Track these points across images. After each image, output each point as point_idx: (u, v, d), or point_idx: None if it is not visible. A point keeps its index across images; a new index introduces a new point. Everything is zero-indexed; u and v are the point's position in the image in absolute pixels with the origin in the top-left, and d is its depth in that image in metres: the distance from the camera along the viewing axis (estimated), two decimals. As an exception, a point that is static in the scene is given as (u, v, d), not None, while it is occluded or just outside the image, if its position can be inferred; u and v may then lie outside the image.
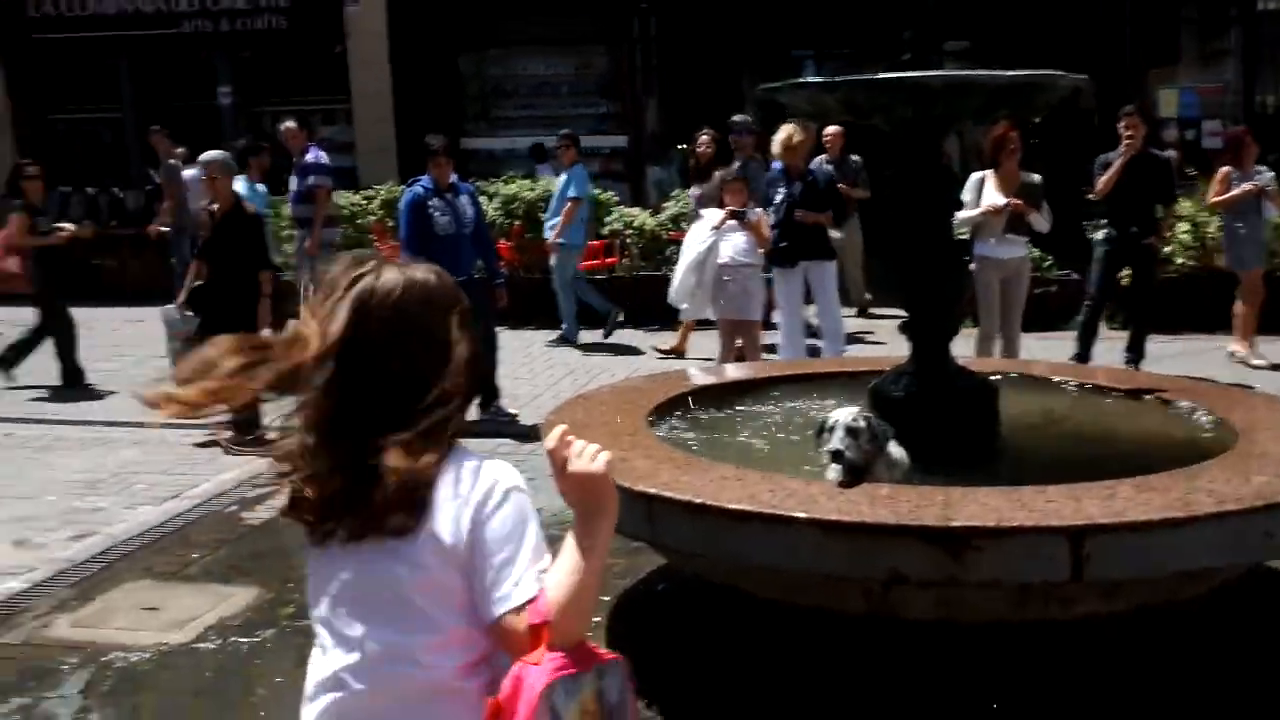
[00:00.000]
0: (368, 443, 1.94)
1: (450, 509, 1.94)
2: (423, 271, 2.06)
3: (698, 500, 3.45)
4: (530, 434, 7.28)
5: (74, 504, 6.32)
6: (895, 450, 3.96)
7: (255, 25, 17.40)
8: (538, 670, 1.84)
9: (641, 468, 3.77)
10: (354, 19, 16.99)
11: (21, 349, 9.58)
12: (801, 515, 3.29)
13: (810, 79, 5.85)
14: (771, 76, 5.49)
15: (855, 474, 3.70)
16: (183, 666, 4.25)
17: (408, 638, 1.96)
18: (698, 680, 3.81)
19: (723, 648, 4.02)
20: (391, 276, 2.02)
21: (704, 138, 11.23)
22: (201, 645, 4.40)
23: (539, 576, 1.92)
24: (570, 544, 1.94)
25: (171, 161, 13.23)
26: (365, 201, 13.41)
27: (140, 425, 8.07)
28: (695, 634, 4.21)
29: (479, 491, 1.96)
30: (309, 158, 11.02)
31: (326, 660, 2.02)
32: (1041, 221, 8.22)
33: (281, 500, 2.05)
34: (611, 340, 11.17)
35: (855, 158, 11.44)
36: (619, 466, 3.71)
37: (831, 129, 11.11)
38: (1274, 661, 3.89)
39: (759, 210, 8.24)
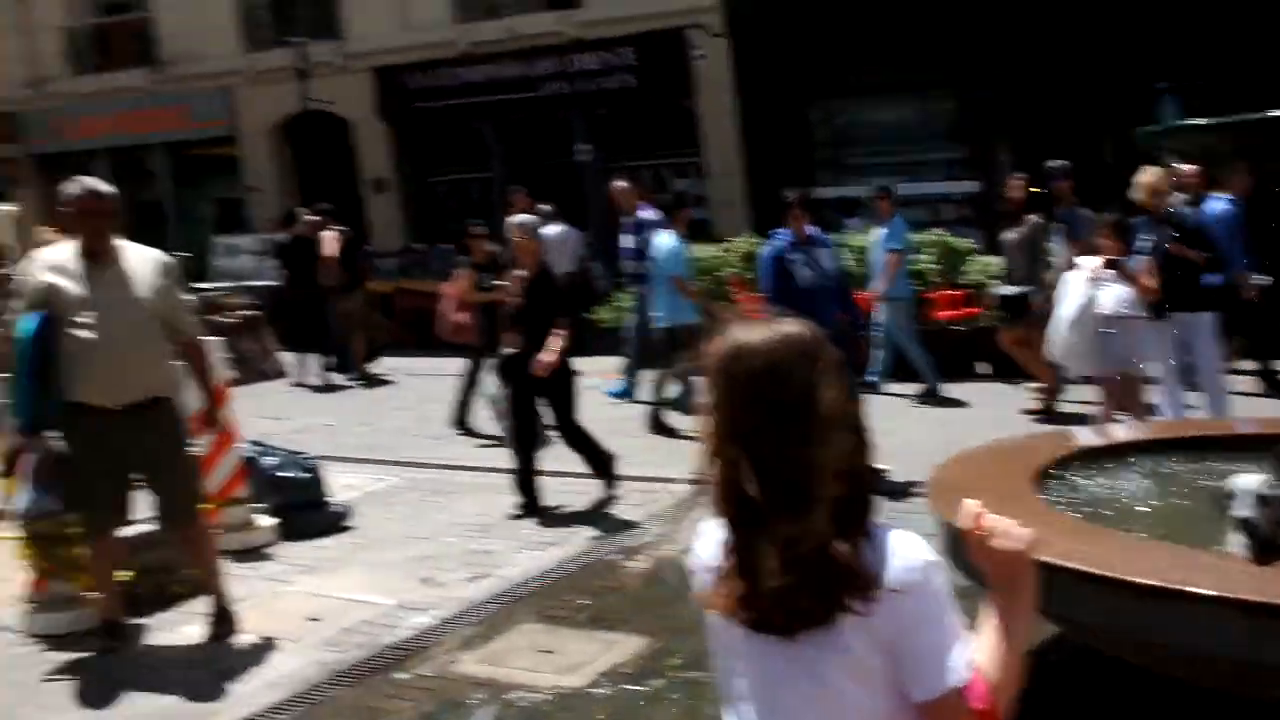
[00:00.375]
0: (784, 527, 1.90)
1: None
2: (790, 324, 2.01)
3: (1102, 572, 3.33)
4: (901, 490, 7.22)
5: (469, 546, 6.78)
6: None
7: (607, 85, 18.27)
8: None
9: (1037, 534, 3.67)
10: (700, 73, 17.49)
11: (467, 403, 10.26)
12: (1221, 594, 3.12)
13: (1198, 120, 5.55)
14: (1129, 111, 5.24)
15: (1266, 548, 3.45)
16: (579, 709, 4.48)
17: None
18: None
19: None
20: (760, 332, 2.00)
21: (1016, 181, 10.83)
22: (595, 690, 4.62)
23: (970, 658, 1.91)
24: (994, 623, 1.94)
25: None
26: (724, 253, 13.72)
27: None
28: (1089, 710, 4.05)
29: (899, 569, 1.92)
30: (644, 215, 11.33)
31: None
32: None
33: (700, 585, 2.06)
34: (975, 395, 10.91)
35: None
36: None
37: (1188, 166, 10.23)
38: None
39: (1140, 258, 7.82)
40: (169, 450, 5.41)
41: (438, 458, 9.20)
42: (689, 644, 5.00)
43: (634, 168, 18.95)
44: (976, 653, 1.92)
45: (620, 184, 11.74)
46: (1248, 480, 3.61)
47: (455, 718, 4.52)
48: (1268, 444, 4.55)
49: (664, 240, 10.05)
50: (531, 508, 7.46)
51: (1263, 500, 3.51)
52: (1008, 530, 1.95)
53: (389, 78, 19.79)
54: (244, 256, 18.89)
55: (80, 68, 22.74)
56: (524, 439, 7.64)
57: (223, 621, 5.53)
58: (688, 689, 4.55)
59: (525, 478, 7.54)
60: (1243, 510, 3.52)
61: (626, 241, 11.48)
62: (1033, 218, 10.46)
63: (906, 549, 1.95)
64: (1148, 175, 8.43)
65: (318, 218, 14.07)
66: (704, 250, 13.66)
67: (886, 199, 11.30)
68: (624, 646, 5.04)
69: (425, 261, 17.19)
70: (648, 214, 11.32)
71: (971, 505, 1.99)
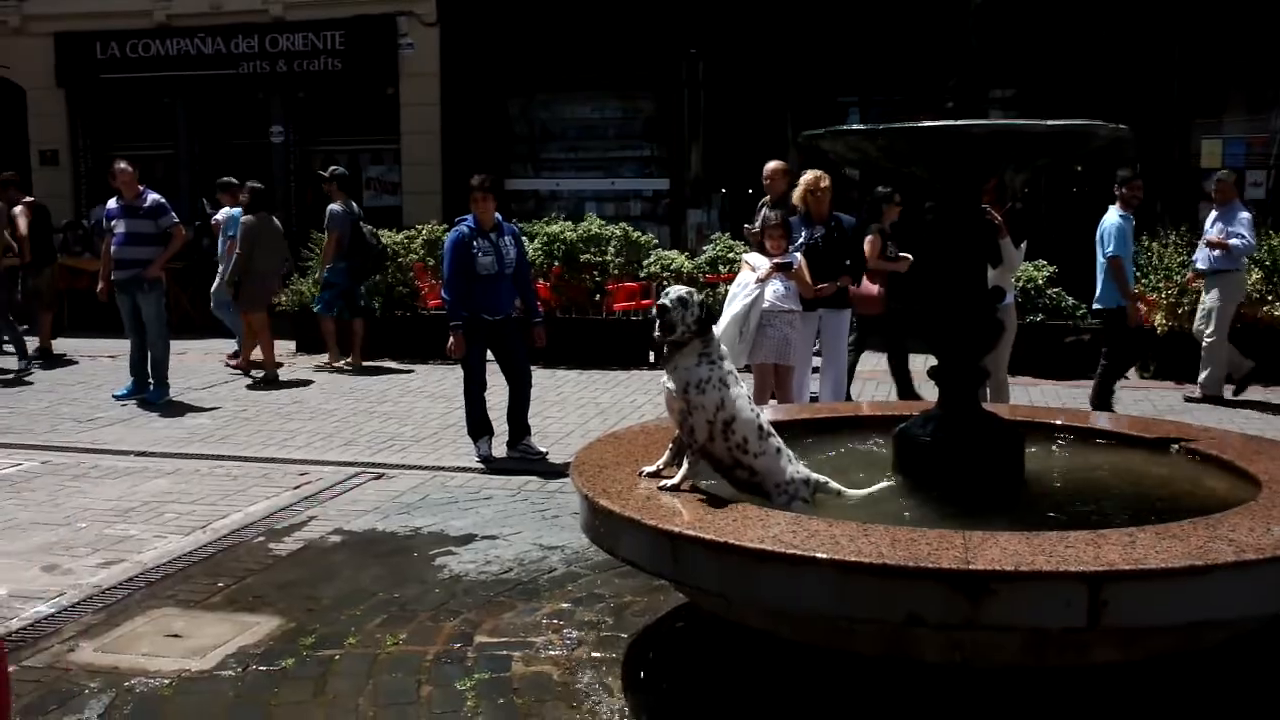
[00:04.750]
0: None
1: None
2: None
3: (721, 539, 3.45)
4: (558, 471, 7.32)
5: (105, 531, 6.36)
6: (804, 477, 4.22)
7: (312, 67, 17.75)
8: None
9: (667, 506, 3.78)
10: (407, 61, 17.28)
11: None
12: (822, 556, 3.28)
13: (851, 126, 5.87)
14: (815, 122, 5.50)
15: (669, 329, 4.08)
16: (202, 693, 4.26)
17: None
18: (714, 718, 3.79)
19: (739, 687, 4.01)
20: None
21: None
22: (222, 673, 4.41)
23: None
24: None
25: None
26: (408, 240, 13.54)
27: (174, 456, 8.19)
28: (713, 672, 4.20)
29: None
30: (151, 200, 10.59)
31: None
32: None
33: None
34: (641, 382, 11.19)
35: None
36: (645, 505, 3.76)
37: (772, 165, 10.06)
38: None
39: (799, 256, 8.18)
40: None
41: (82, 441, 8.62)
42: (326, 623, 4.90)
43: (331, 151, 18.54)
44: None
45: (123, 166, 10.65)
46: (677, 288, 4.21)
47: (62, 710, 4.18)
48: (890, 424, 4.90)
49: (1108, 218, 9.59)
50: None
51: (681, 301, 4.10)
52: None
53: (72, 45, 18.48)
54: None
55: None
56: None
57: None
58: (318, 667, 4.43)
59: None
60: (664, 299, 4.12)
61: (118, 228, 10.46)
62: (252, 216, 11.70)
63: None
64: (810, 175, 8.89)
65: None
66: (389, 237, 13.48)
67: (239, 192, 12.10)
68: (258, 628, 4.85)
69: (89, 238, 16.11)
70: (153, 198, 10.60)
71: None
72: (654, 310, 4.14)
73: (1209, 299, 10.34)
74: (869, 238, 9.45)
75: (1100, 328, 9.74)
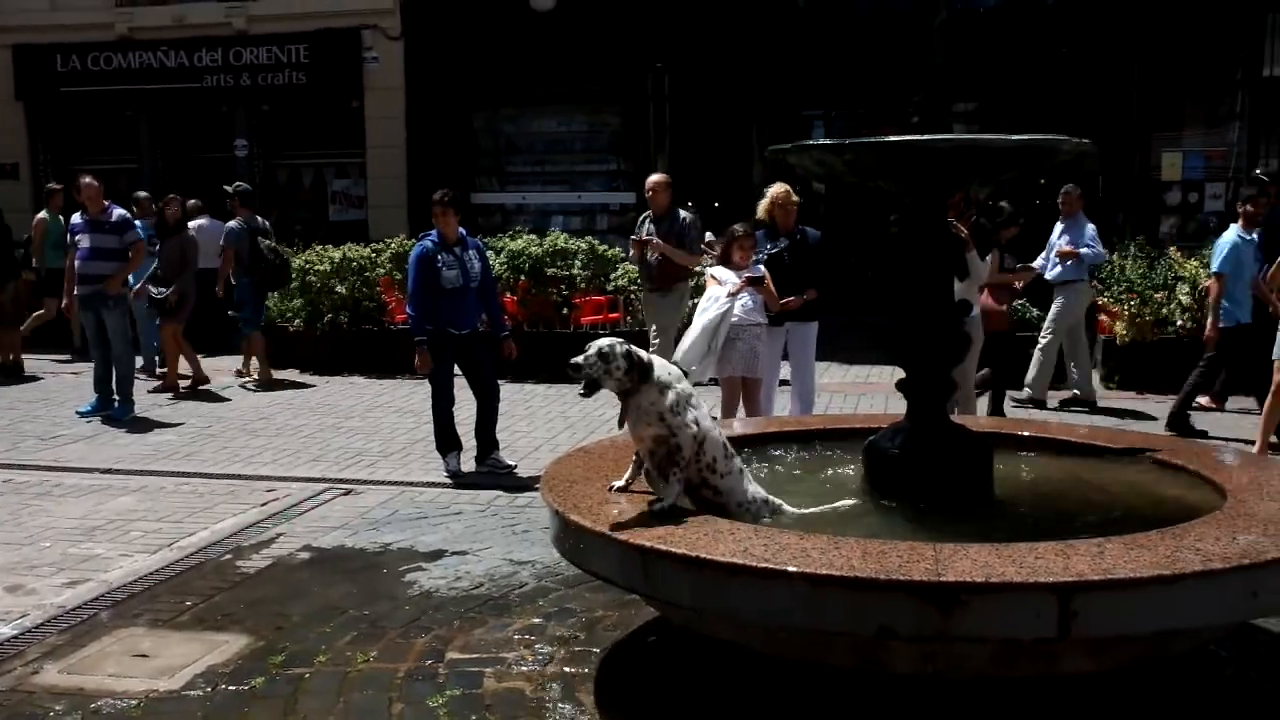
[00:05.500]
0: None
1: None
2: None
3: (692, 554, 3.45)
4: (527, 486, 7.32)
5: (70, 550, 6.29)
6: (763, 496, 4.26)
7: (276, 80, 17.72)
8: None
9: (637, 521, 3.78)
10: (372, 75, 17.28)
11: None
12: (793, 569, 3.29)
13: (818, 141, 5.88)
14: (781, 135, 5.53)
15: (591, 387, 4.04)
16: (170, 714, 4.22)
17: None
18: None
19: (712, 700, 4.01)
20: None
21: (171, 198, 12.29)
22: (190, 693, 4.37)
23: None
24: None
25: None
26: (374, 255, 13.49)
27: (139, 473, 8.12)
28: (686, 686, 4.20)
29: None
30: (117, 215, 10.50)
31: None
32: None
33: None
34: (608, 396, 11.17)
35: (685, 214, 9.96)
36: (616, 520, 3.76)
37: (655, 178, 10.04)
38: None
39: (762, 268, 8.21)
40: None
41: (45, 459, 8.52)
42: (295, 641, 4.86)
43: (295, 165, 18.52)
44: None
45: (89, 180, 10.51)
46: (602, 340, 4.14)
47: (28, 732, 4.14)
48: (861, 436, 4.93)
49: (1226, 235, 9.46)
50: None
51: (601, 355, 4.03)
52: None
53: (31, 57, 18.42)
54: None
55: None
56: None
57: None
58: (288, 685, 4.39)
59: None
60: (582, 358, 4.03)
61: (83, 242, 10.34)
62: (186, 231, 12.14)
63: None
64: (778, 188, 8.91)
65: None
66: (355, 251, 13.43)
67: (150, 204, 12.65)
68: (227, 647, 4.80)
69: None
70: (118, 212, 10.52)
71: None
72: (569, 368, 4.06)
73: (1054, 307, 10.82)
74: (989, 256, 9.10)
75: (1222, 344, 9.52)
